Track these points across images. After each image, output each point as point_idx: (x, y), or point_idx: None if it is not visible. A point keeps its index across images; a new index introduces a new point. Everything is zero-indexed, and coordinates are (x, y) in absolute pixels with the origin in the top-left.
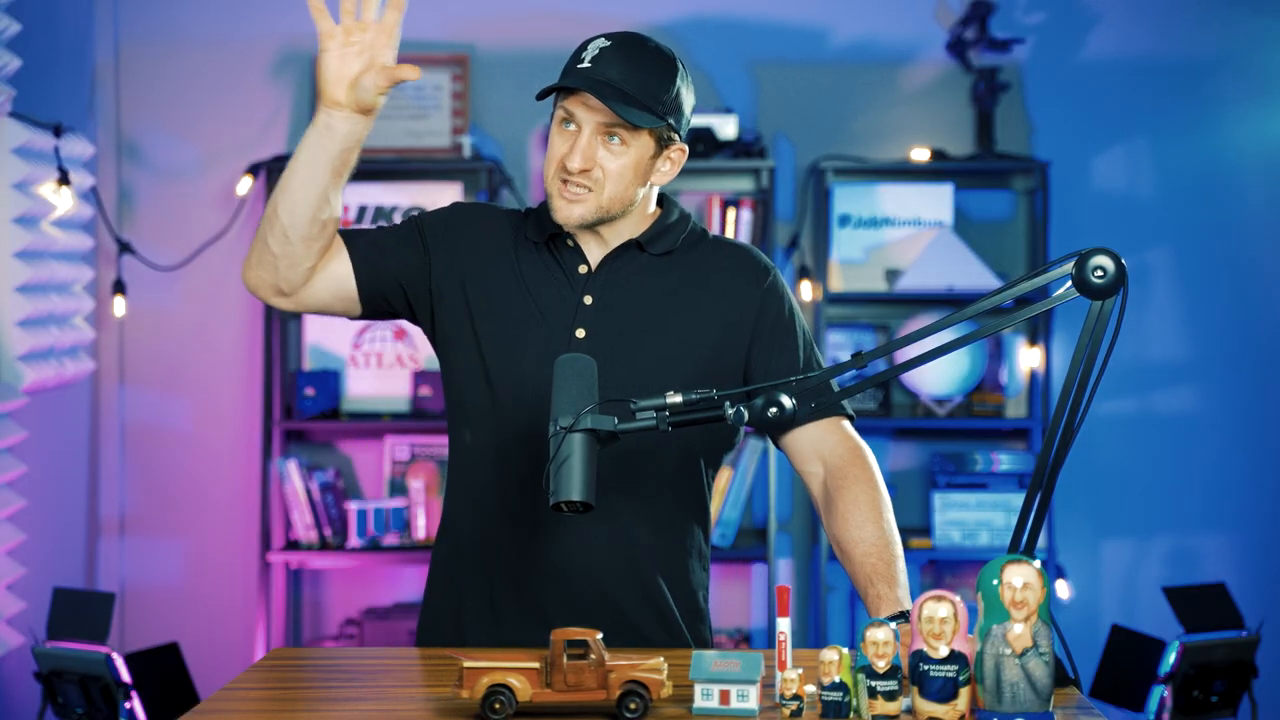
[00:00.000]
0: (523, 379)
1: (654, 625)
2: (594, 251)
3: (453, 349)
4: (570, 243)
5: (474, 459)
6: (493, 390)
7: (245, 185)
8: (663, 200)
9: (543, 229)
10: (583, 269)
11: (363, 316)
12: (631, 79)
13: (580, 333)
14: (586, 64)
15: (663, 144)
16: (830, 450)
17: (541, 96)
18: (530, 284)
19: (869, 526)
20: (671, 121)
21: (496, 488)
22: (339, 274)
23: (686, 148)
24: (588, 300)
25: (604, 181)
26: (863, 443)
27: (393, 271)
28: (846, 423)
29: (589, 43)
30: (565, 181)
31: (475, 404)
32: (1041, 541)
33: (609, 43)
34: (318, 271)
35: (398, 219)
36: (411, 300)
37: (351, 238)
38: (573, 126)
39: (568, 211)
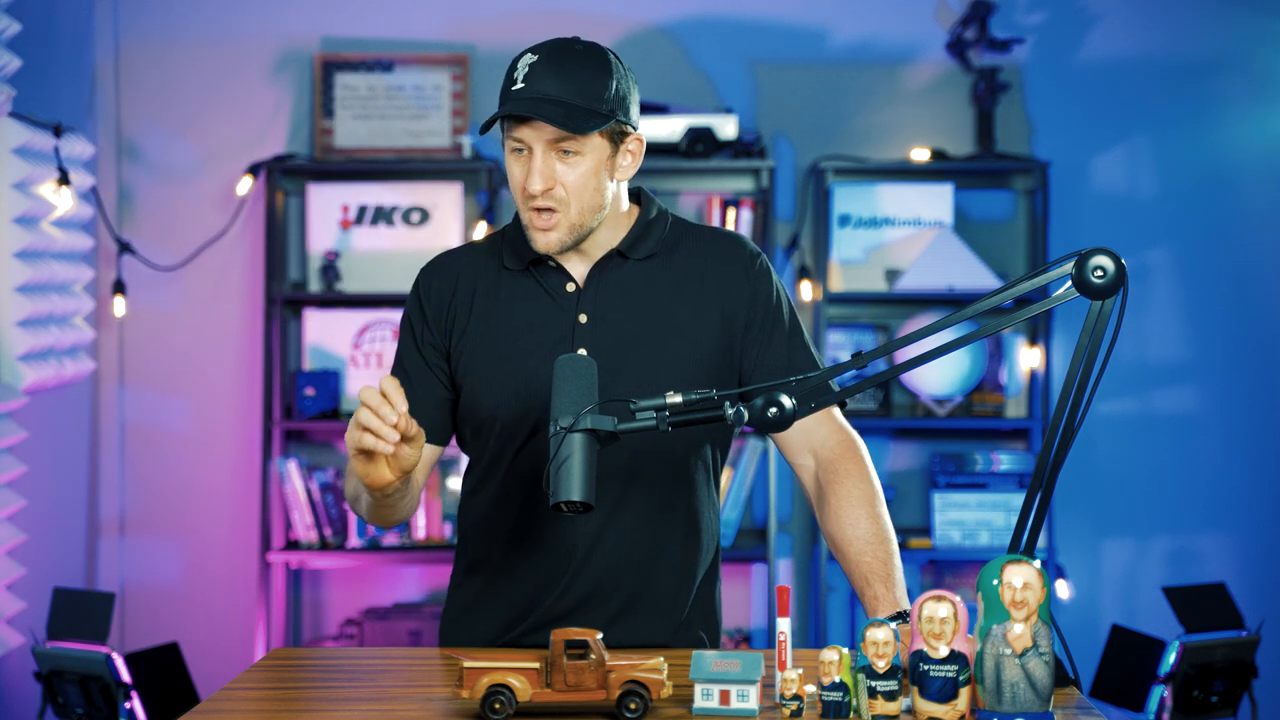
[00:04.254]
0: (531, 410)
1: (663, 622)
2: (578, 267)
3: (463, 395)
4: (552, 263)
5: (493, 492)
6: (507, 427)
7: (245, 185)
8: (639, 197)
9: (521, 256)
10: (570, 287)
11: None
12: (568, 87)
13: (581, 353)
14: (520, 85)
15: (617, 140)
16: (821, 442)
17: (485, 130)
18: (522, 315)
19: (863, 523)
20: (620, 117)
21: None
22: (427, 460)
23: (643, 136)
24: (582, 319)
25: (568, 198)
26: (854, 433)
27: (442, 403)
28: (837, 411)
29: (518, 60)
30: (536, 210)
31: (491, 445)
32: (1041, 541)
33: (537, 57)
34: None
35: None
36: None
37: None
38: (524, 151)
39: (545, 240)
